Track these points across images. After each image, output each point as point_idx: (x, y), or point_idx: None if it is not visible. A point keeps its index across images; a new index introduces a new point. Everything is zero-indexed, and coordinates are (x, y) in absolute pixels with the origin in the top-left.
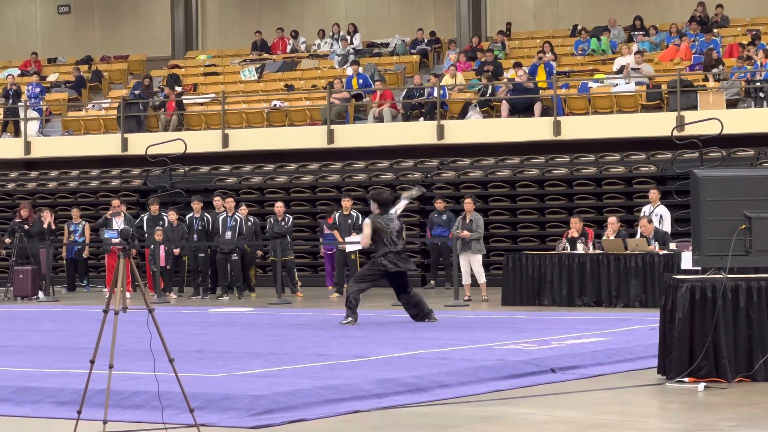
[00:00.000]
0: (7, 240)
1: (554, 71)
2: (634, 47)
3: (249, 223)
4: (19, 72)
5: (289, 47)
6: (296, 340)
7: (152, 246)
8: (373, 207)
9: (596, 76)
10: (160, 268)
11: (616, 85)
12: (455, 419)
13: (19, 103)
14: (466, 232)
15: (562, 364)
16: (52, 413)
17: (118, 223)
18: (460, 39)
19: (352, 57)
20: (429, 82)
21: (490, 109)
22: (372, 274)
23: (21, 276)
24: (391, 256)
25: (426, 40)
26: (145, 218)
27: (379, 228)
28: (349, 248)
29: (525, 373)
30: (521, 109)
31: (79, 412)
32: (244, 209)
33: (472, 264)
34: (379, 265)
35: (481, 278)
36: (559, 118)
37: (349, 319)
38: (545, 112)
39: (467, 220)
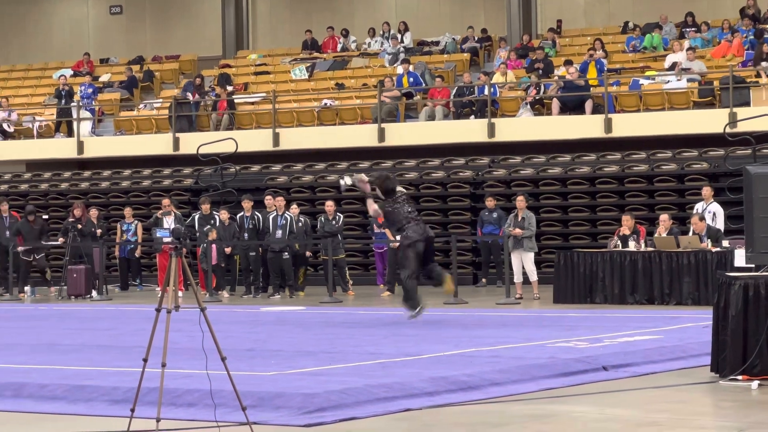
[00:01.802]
0: (61, 239)
1: (605, 68)
2: (686, 44)
3: (299, 223)
4: (72, 72)
5: (339, 46)
6: (348, 339)
7: (204, 245)
8: (378, 193)
9: (647, 73)
10: (212, 267)
11: (668, 82)
12: (507, 417)
13: (72, 104)
14: (517, 230)
15: (615, 362)
16: (105, 411)
17: (169, 222)
18: (511, 37)
19: (402, 55)
20: (479, 81)
21: (540, 107)
22: (408, 254)
23: (75, 275)
24: (413, 226)
25: (476, 38)
26: (196, 217)
27: (389, 211)
28: None
29: (577, 371)
30: (572, 106)
31: (132, 410)
32: (295, 208)
33: (523, 262)
34: (409, 240)
35: (533, 276)
36: (610, 115)
37: (417, 309)
38: (596, 110)
39: (519, 218)
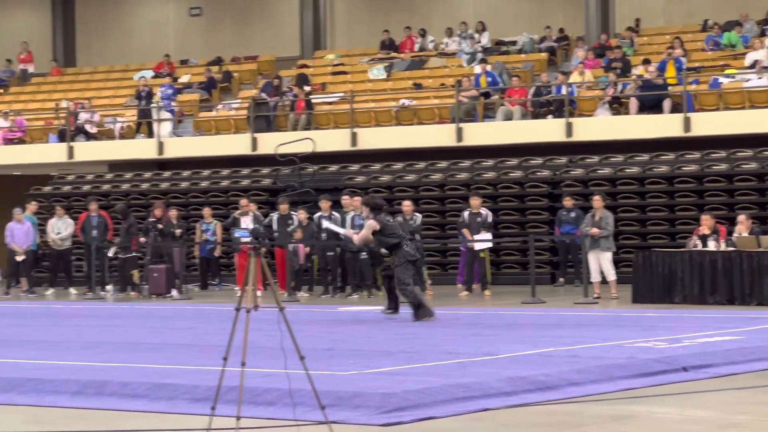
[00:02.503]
0: (142, 239)
1: (684, 67)
2: (767, 41)
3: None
4: (152, 74)
5: (417, 46)
6: (426, 338)
7: (290, 245)
8: (366, 211)
9: (727, 72)
10: (299, 266)
11: (748, 80)
12: (585, 418)
13: (152, 105)
14: (595, 230)
15: (695, 363)
16: (186, 409)
17: (247, 222)
18: (589, 36)
19: (480, 55)
20: (557, 80)
21: (618, 106)
22: (410, 268)
23: (155, 275)
24: (411, 243)
25: (554, 38)
26: (274, 217)
27: (384, 224)
28: (477, 246)
29: (656, 372)
30: (650, 105)
31: (213, 408)
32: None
33: (601, 261)
34: (411, 257)
35: (611, 276)
36: (689, 114)
37: (431, 313)
38: (675, 109)
39: (596, 218)
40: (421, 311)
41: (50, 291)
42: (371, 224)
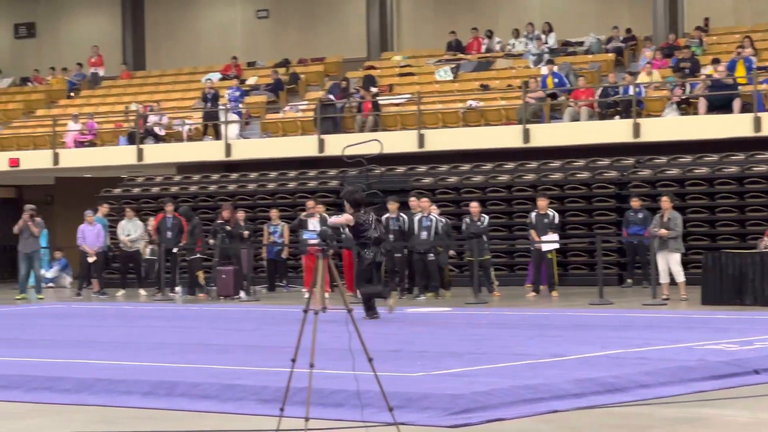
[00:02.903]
0: (211, 241)
1: (754, 66)
2: None
3: (441, 224)
4: (220, 76)
5: (483, 47)
6: (493, 340)
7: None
8: (347, 206)
9: None
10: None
11: None
12: (655, 420)
13: (219, 107)
14: (663, 231)
15: (766, 366)
16: (255, 410)
17: (314, 224)
18: (656, 36)
19: (546, 56)
20: (624, 81)
21: (687, 107)
22: (367, 270)
23: (223, 276)
24: (372, 247)
25: (621, 38)
26: None
27: (359, 221)
28: (545, 247)
29: (727, 374)
30: (719, 105)
31: (281, 409)
32: (434, 209)
33: (669, 263)
34: (367, 260)
35: (680, 277)
36: (759, 114)
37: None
38: (745, 109)
39: (665, 219)
40: (369, 312)
41: (120, 292)
42: (347, 218)
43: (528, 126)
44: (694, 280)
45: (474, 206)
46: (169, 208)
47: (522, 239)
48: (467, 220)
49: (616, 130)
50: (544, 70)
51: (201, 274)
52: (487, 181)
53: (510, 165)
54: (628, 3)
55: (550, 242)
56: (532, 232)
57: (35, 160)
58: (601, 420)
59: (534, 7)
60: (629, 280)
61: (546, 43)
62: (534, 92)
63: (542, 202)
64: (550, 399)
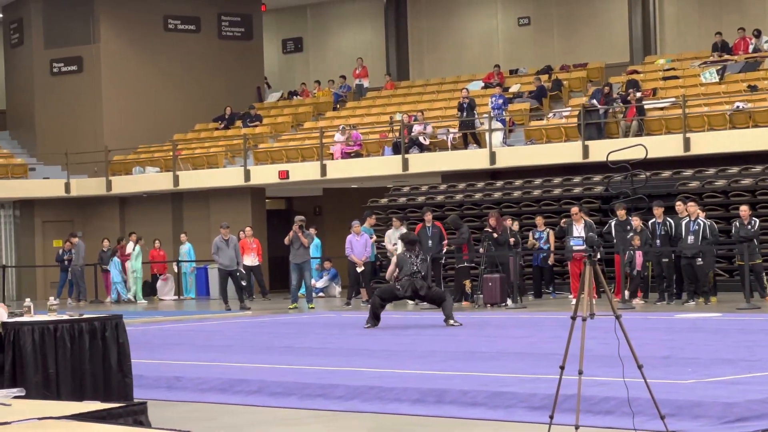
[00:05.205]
0: (481, 250)
1: None
2: None
3: (709, 228)
4: (482, 84)
5: (751, 47)
6: None
7: (628, 251)
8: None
9: None
10: (636, 272)
11: None
12: None
13: (474, 116)
14: None
15: None
16: (524, 417)
17: (578, 230)
18: None
19: None
20: None
21: None
22: (390, 291)
23: (490, 284)
24: (407, 281)
25: None
26: (612, 223)
27: (401, 261)
28: None
29: None
30: None
31: (551, 417)
32: (700, 212)
33: None
34: (397, 290)
35: None
36: None
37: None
38: None
39: None
40: (371, 320)
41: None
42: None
43: None
44: None
45: (744, 209)
46: (428, 217)
47: None
48: (737, 223)
49: None
50: None
51: (468, 283)
52: (756, 183)
53: None
54: None
55: None
56: None
57: (304, 171)
58: None
59: None
60: None
61: None
62: None
63: None
64: None
